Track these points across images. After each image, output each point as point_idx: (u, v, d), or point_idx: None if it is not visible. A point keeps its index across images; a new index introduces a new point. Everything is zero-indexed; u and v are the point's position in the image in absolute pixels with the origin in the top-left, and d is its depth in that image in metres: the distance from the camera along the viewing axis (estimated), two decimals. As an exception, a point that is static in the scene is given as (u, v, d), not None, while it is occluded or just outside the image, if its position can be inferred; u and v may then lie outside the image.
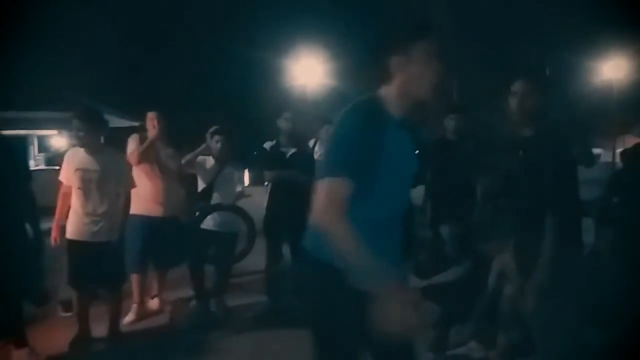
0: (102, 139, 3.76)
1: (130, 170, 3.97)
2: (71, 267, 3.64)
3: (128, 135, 4.39)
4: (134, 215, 4.22)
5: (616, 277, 3.43)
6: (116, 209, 3.72)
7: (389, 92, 1.78)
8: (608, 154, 14.13)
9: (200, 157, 4.38)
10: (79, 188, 3.61)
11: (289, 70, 13.81)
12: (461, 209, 4.38)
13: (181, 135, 4.78)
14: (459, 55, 10.06)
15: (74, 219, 3.64)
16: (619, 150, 7.19)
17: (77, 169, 3.61)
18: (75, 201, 3.63)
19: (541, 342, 2.86)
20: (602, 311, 3.11)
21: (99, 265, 3.60)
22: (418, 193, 4.83)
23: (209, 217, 4.27)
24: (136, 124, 6.94)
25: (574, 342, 3.14)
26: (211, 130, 4.40)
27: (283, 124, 4.42)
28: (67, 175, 3.68)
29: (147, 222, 4.18)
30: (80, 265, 3.61)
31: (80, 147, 3.67)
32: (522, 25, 11.28)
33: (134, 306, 4.28)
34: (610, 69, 12.77)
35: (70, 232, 3.65)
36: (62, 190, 3.74)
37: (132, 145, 4.22)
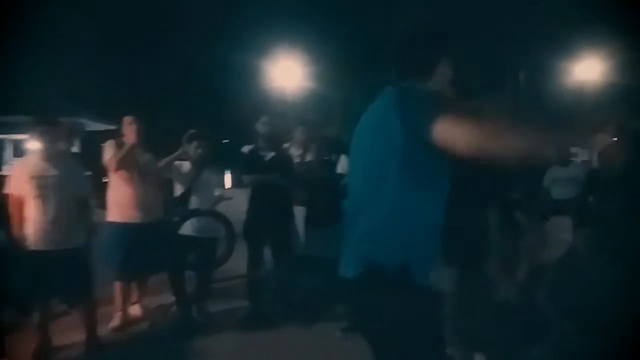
0: (60, 144, 3.69)
1: (85, 174, 3.90)
2: (34, 278, 3.51)
3: (106, 139, 4.33)
4: (112, 223, 4.16)
5: (593, 276, 3.46)
6: (79, 215, 3.64)
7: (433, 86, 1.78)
8: (584, 152, 14.37)
9: (177, 162, 4.33)
10: (36, 196, 3.50)
11: (267, 72, 13.79)
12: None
13: (159, 140, 4.73)
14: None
15: (34, 229, 3.52)
16: (597, 151, 7.29)
17: (32, 177, 3.50)
18: (34, 210, 3.51)
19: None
20: (580, 310, 3.15)
21: (65, 274, 3.51)
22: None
23: (187, 222, 4.21)
24: (112, 127, 6.82)
25: (550, 338, 3.18)
26: (188, 134, 4.34)
27: (261, 127, 4.40)
28: (19, 184, 3.54)
29: (125, 229, 4.11)
30: (44, 275, 3.49)
31: (37, 152, 3.59)
32: (498, 26, 11.43)
33: (118, 313, 4.21)
34: (585, 70, 13.03)
35: (33, 243, 3.53)
36: (11, 202, 3.56)
37: (108, 151, 4.14)
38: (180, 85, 13.13)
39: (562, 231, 5.24)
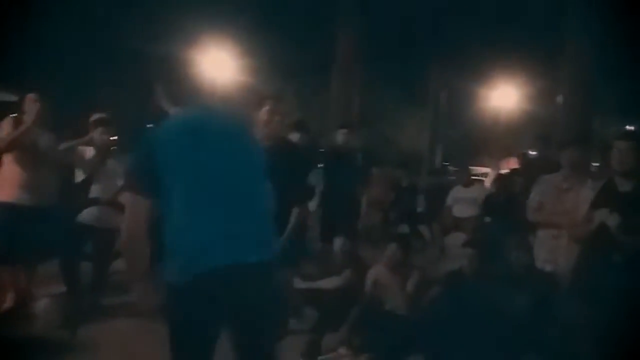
0: None
1: None
2: None
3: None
4: (1, 203, 3.90)
5: (480, 296, 3.65)
6: None
7: None
8: (494, 174, 15.25)
9: (80, 147, 4.13)
10: None
11: (197, 63, 13.34)
12: (347, 221, 4.55)
13: (65, 120, 4.48)
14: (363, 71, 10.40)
15: None
16: (492, 176, 7.84)
17: None
18: None
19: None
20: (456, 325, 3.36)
21: None
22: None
23: (86, 211, 4.04)
24: (15, 98, 6.36)
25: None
26: (93, 118, 4.16)
27: None
28: None
29: (13, 211, 3.85)
30: None
31: None
32: (419, 49, 11.92)
33: (10, 295, 3.96)
34: (499, 97, 13.90)
35: None
36: None
37: (2, 129, 3.87)
38: (102, 68, 12.43)
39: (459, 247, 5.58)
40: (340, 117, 7.99)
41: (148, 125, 2.11)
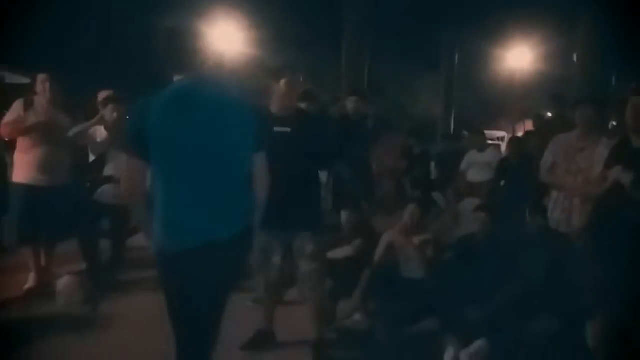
0: None
1: None
2: None
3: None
4: (19, 184, 3.98)
5: (494, 260, 3.64)
6: None
7: None
8: (509, 137, 15.05)
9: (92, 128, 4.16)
10: None
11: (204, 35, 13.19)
12: (359, 190, 4.54)
13: (76, 100, 4.51)
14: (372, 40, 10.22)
15: None
16: (507, 139, 7.71)
17: None
18: None
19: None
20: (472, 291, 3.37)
21: None
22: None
23: (102, 189, 4.10)
24: (27, 80, 6.40)
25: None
26: (102, 96, 4.18)
27: None
28: None
29: (32, 192, 3.94)
30: None
31: None
32: (431, 12, 11.61)
33: (31, 275, 4.11)
34: (514, 58, 13.56)
35: None
36: None
37: (13, 113, 3.91)
38: (107, 44, 12.39)
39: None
40: (351, 86, 7.90)
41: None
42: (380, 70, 11.15)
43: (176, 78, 2.13)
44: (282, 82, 3.16)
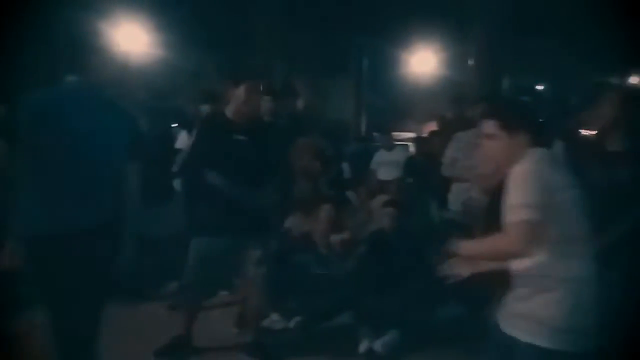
0: None
1: None
2: None
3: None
4: None
5: (402, 252, 3.82)
6: None
7: None
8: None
9: None
10: None
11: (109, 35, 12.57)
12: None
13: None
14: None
15: None
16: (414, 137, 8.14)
17: None
18: None
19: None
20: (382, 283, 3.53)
21: None
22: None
23: None
24: None
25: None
26: None
27: None
28: None
29: None
30: None
31: None
32: (340, 16, 11.95)
33: None
34: (418, 63, 14.29)
35: None
36: None
37: None
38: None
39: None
40: (265, 86, 7.89)
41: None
42: (291, 71, 11.24)
43: (69, 78, 2.26)
44: (241, 88, 3.13)
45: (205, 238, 3.17)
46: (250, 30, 10.69)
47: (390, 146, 6.42)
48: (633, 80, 11.72)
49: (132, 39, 13.45)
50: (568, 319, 1.81)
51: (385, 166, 6.22)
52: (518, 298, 1.90)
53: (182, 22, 12.87)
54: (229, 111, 3.22)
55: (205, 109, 4.02)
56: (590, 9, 8.53)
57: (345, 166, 7.38)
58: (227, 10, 12.06)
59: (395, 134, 7.67)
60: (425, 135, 7.39)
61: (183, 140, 4.13)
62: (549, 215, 1.78)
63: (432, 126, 10.68)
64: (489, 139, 1.97)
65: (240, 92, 3.13)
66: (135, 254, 2.59)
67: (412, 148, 7.69)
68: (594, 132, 2.97)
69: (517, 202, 1.80)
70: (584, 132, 3.39)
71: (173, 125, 4.99)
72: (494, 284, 2.03)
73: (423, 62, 14.12)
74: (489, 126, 1.97)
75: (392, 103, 15.59)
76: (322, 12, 11.76)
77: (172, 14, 12.64)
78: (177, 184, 4.52)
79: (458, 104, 6.82)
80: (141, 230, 4.50)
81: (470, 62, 8.45)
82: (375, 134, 7.91)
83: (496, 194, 2.58)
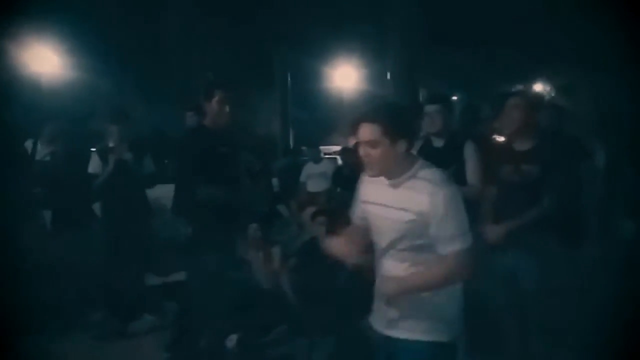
0: None
1: None
2: None
3: None
4: None
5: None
6: None
7: None
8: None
9: None
10: None
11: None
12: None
13: None
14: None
15: None
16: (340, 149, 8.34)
17: None
18: None
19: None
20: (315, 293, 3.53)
21: None
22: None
23: None
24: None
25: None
26: None
27: None
28: None
29: None
30: None
31: None
32: (261, 32, 12.05)
33: None
34: (340, 78, 14.67)
35: None
36: None
37: None
38: None
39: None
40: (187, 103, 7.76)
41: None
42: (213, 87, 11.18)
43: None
44: (214, 100, 3.19)
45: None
46: (170, 46, 10.49)
47: (318, 159, 6.51)
48: (536, 87, 12.73)
49: (44, 62, 12.81)
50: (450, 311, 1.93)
51: (314, 178, 6.29)
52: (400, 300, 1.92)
53: (96, 43, 12.43)
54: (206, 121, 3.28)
55: (113, 129, 3.87)
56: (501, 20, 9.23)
57: (275, 180, 7.40)
58: (143, 26, 11.80)
59: (322, 147, 7.78)
60: (351, 146, 7.56)
61: (95, 164, 3.92)
62: None
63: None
64: (371, 146, 1.85)
65: (212, 103, 3.20)
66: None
67: (339, 160, 7.83)
68: (503, 136, 3.18)
69: (455, 232, 1.80)
70: (495, 137, 3.65)
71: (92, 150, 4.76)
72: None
73: (345, 76, 14.54)
74: (370, 132, 1.84)
75: (318, 117, 15.89)
76: (245, 28, 11.79)
77: (85, 35, 12.18)
78: (95, 208, 4.30)
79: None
80: (60, 255, 4.32)
81: (389, 75, 8.81)
82: (303, 147, 7.99)
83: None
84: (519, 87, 8.68)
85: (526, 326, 2.82)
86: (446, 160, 2.69)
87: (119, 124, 3.89)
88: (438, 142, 3.21)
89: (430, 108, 3.19)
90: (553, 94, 12.48)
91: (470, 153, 3.08)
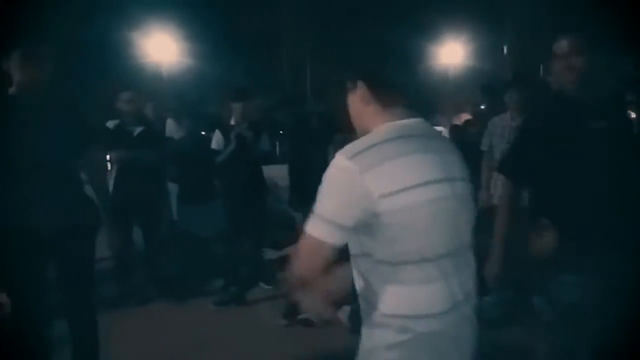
0: None
1: None
2: None
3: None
4: None
5: None
6: None
7: None
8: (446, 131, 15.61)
9: None
10: None
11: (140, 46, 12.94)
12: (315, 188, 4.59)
13: None
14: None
15: None
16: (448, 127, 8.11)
17: None
18: None
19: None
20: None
21: None
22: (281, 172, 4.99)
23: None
24: None
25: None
26: None
27: (124, 106, 4.15)
28: None
29: None
30: None
31: None
32: (360, 13, 11.95)
33: None
34: (446, 54, 14.16)
35: None
36: None
37: None
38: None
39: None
40: (294, 88, 8.01)
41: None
42: (320, 72, 11.33)
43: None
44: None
45: None
46: (278, 33, 10.80)
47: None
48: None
49: (162, 49, 13.84)
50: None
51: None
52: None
53: (211, 31, 13.16)
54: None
55: (237, 107, 4.14)
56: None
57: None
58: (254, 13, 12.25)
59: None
60: (459, 123, 7.32)
61: (219, 140, 4.20)
62: None
63: (466, 115, 10.59)
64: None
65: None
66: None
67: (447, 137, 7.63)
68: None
69: None
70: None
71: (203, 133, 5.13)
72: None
73: (452, 53, 14.02)
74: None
75: (421, 97, 15.52)
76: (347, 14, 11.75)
77: (200, 23, 12.94)
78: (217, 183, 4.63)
79: (489, 93, 6.73)
80: (185, 228, 4.71)
81: (504, 49, 8.32)
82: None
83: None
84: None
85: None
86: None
87: (242, 101, 4.12)
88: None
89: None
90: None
91: None
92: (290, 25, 10.26)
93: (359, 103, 1.36)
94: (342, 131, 6.31)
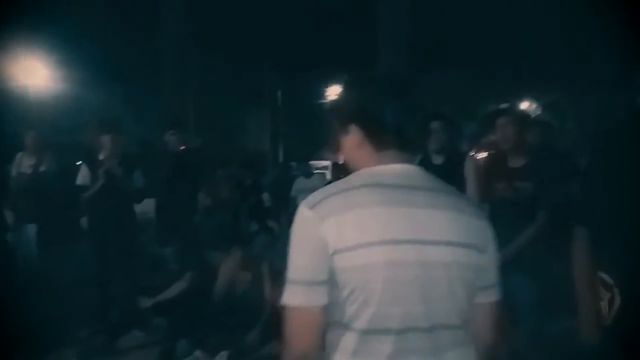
0: None
1: None
2: None
3: None
4: None
5: None
6: None
7: None
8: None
9: None
10: None
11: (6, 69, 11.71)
12: (185, 224, 4.43)
13: None
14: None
15: None
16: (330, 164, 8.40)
17: None
18: None
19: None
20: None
21: None
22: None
23: None
24: None
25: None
26: None
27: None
28: None
29: None
30: None
31: None
32: (252, 53, 12.14)
33: None
34: (329, 94, 14.74)
35: None
36: None
37: None
38: None
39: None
40: (174, 119, 7.77)
41: None
42: (206, 104, 11.16)
43: None
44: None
45: None
46: (161, 65, 10.49)
47: (309, 174, 6.51)
48: (524, 105, 12.94)
49: (33, 74, 12.71)
50: None
51: (305, 193, 6.27)
52: None
53: (87, 57, 12.39)
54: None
55: (105, 140, 3.84)
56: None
57: (266, 195, 7.38)
58: (135, 41, 11.80)
59: (312, 162, 7.80)
60: (341, 162, 7.57)
61: (84, 176, 3.86)
62: None
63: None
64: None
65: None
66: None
67: (328, 174, 7.85)
68: (497, 153, 3.19)
69: None
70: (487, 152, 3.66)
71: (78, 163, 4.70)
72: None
73: (335, 92, 14.67)
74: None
75: (307, 133, 15.97)
76: (236, 46, 11.84)
77: (76, 49, 12.13)
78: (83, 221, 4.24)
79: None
80: (44, 271, 4.23)
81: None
82: (293, 163, 8.00)
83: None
84: (508, 105, 8.80)
85: (519, 342, 2.78)
86: (446, 177, 2.68)
87: (111, 134, 3.85)
88: (437, 159, 3.20)
89: (433, 125, 3.19)
90: (541, 112, 12.71)
91: (471, 170, 3.09)
92: (174, 51, 9.98)
93: (350, 146, 1.22)
94: (224, 165, 6.23)
